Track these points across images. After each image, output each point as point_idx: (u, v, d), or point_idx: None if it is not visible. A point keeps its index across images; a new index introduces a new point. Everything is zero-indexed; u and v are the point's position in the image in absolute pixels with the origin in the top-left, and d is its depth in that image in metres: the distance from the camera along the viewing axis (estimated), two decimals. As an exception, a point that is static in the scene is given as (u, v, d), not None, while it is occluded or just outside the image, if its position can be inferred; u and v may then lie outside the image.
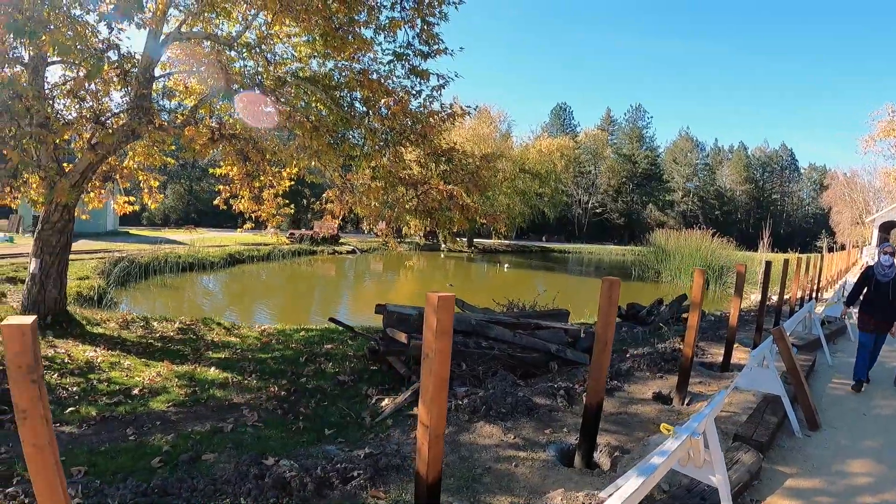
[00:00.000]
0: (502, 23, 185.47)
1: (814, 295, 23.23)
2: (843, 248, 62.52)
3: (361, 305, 24.68)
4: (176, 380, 9.77)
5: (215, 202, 16.14)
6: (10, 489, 5.32)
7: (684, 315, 16.57)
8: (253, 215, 15.87)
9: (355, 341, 13.00)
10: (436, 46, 13.63)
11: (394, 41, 13.71)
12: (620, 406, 8.23)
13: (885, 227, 77.42)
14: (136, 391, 9.05)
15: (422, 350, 3.85)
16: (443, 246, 51.77)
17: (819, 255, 30.69)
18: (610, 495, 4.46)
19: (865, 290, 9.80)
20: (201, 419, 8.05)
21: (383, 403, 8.72)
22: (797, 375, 7.65)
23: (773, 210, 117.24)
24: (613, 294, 5.37)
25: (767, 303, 13.99)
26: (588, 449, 5.89)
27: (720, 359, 11.09)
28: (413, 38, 13.59)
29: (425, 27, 13.46)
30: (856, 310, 10.38)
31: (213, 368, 10.65)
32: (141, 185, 15.90)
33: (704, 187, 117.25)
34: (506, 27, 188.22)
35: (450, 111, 14.39)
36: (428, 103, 14.31)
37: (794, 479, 5.81)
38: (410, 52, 13.66)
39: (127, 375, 9.86)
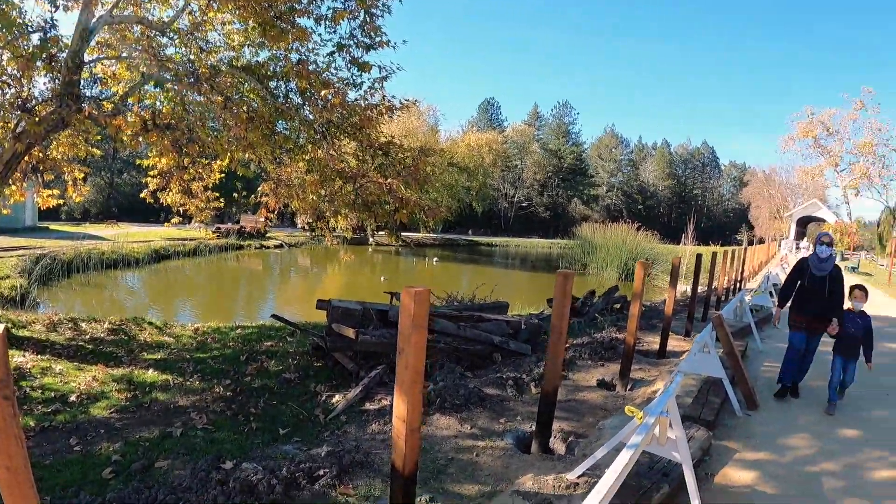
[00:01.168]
0: (435, 16, 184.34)
1: (737, 285, 24.01)
2: (761, 241, 64.75)
3: (292, 300, 24.34)
4: (114, 384, 9.35)
5: (142, 195, 15.55)
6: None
7: (616, 305, 16.94)
8: (182, 209, 15.35)
9: (294, 338, 12.80)
10: (378, 38, 13.42)
11: (334, 32, 13.48)
12: (568, 394, 8.52)
13: (802, 222, 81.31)
14: (73, 398, 8.63)
15: (396, 344, 3.80)
16: (370, 240, 51.43)
17: (740, 247, 31.54)
18: (584, 472, 4.68)
19: (798, 286, 8.51)
20: (147, 424, 7.78)
21: (334, 400, 8.59)
22: (736, 359, 8.23)
23: (694, 205, 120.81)
24: (568, 286, 5.50)
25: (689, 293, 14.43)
26: (545, 435, 5.99)
27: (656, 346, 11.76)
28: (355, 29, 13.37)
29: (368, 18, 13.25)
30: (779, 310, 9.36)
31: (150, 370, 10.26)
32: (65, 176, 15.25)
33: (628, 182, 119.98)
34: (436, 21, 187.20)
35: (388, 104, 14.24)
36: (369, 95, 14.12)
37: (742, 453, 6.28)
38: (352, 44, 13.43)
39: (61, 381, 9.38)
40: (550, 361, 5.80)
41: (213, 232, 42.50)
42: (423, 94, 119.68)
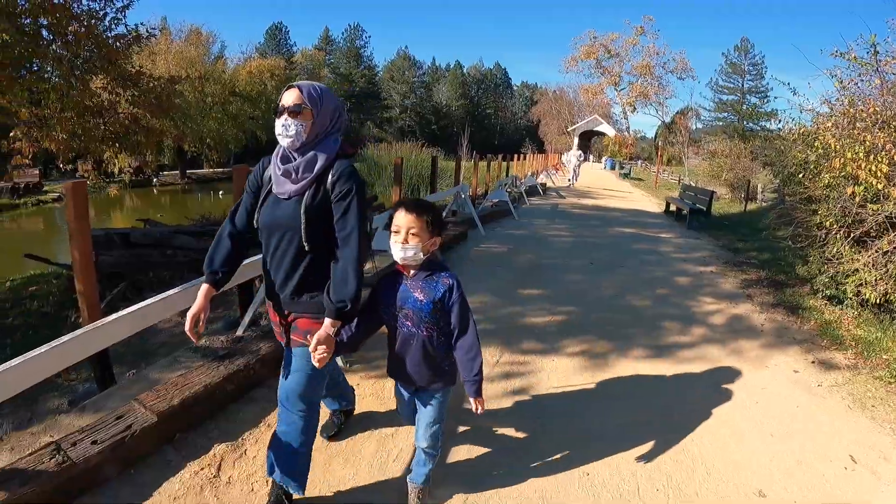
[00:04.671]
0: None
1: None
2: (542, 152, 68.60)
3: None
4: None
5: None
6: None
7: (374, 212, 18.34)
8: None
9: (59, 279, 13.03)
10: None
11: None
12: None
13: (585, 136, 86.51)
14: None
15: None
16: (154, 181, 49.57)
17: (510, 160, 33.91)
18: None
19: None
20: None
21: (81, 319, 9.20)
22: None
23: (486, 123, 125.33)
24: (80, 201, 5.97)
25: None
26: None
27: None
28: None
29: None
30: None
31: (-80, 332, 10.21)
32: None
33: (421, 104, 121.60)
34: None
35: (136, 33, 14.34)
36: (113, 25, 14.14)
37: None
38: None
39: None
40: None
41: (-15, 193, 38.89)
42: (205, 21, 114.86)
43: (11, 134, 14.20)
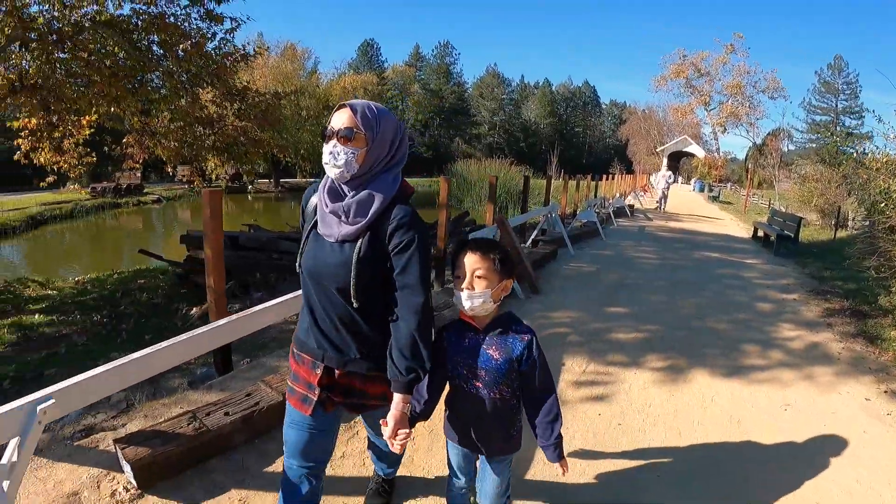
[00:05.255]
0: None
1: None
2: (631, 172, 68.04)
3: (173, 251, 24.69)
4: (3, 330, 10.00)
5: (16, 157, 15.59)
6: None
7: (466, 228, 18.80)
8: (55, 167, 15.60)
9: (165, 275, 13.89)
10: (229, -9, 14.24)
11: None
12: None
13: (675, 157, 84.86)
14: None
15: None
16: (249, 188, 51.72)
17: (591, 179, 34.06)
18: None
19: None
20: (37, 350, 8.73)
21: (192, 311, 9.93)
22: (518, 254, 10.00)
23: (576, 142, 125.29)
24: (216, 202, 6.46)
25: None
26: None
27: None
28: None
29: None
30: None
31: (37, 315, 10.99)
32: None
33: (510, 121, 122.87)
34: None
35: (243, 52, 15.19)
36: (222, 45, 15.01)
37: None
38: (206, -4, 14.18)
39: (-48, 335, 10.07)
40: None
41: (90, 192, 40.75)
42: (299, 37, 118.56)
43: (124, 140, 15.24)
